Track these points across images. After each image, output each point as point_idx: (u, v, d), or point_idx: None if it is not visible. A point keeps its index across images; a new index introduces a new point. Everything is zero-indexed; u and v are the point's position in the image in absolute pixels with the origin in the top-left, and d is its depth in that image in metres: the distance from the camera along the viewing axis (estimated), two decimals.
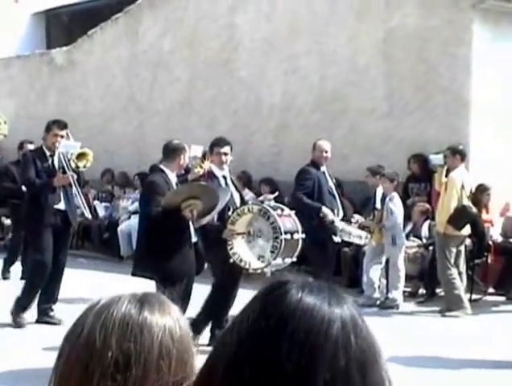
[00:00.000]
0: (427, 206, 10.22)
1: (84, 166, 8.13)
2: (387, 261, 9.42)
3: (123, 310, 1.30)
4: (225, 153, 7.23)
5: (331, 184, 8.64)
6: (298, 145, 11.97)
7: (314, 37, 12.05)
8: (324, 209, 8.26)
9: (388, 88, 11.32)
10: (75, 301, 7.72)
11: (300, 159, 11.68)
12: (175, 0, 13.96)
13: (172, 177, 6.72)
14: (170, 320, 1.32)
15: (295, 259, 7.30)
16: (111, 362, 1.25)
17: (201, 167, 8.99)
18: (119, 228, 12.75)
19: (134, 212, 13.06)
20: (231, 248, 6.94)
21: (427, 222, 10.16)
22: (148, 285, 7.44)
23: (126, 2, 15.06)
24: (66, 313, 7.55)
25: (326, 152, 8.61)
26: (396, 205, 9.31)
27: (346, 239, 8.66)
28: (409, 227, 10.14)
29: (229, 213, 7.05)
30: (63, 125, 8.01)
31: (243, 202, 7.47)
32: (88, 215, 8.89)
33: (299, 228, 7.23)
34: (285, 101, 12.50)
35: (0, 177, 10.85)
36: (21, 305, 7.84)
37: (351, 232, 8.62)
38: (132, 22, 14.68)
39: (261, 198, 7.89)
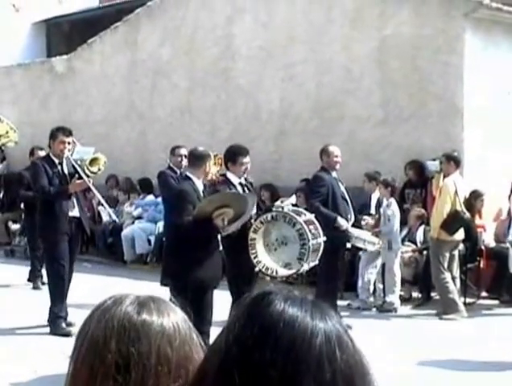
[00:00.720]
0: (423, 211, 10.37)
1: (98, 170, 8.06)
2: (383, 266, 9.57)
3: (122, 313, 1.31)
4: (248, 163, 7.21)
5: (342, 189, 8.64)
6: (297, 152, 12.16)
7: (310, 45, 12.23)
8: (339, 220, 8.20)
9: (383, 96, 11.49)
10: (81, 306, 7.81)
11: (300, 165, 11.91)
12: (173, 9, 14.15)
13: (199, 184, 6.62)
14: (169, 325, 1.31)
15: (317, 262, 7.29)
16: (112, 363, 1.26)
17: (212, 174, 9.12)
18: (123, 233, 12.90)
19: (138, 217, 13.28)
20: (255, 257, 6.90)
21: (422, 227, 10.32)
22: (153, 290, 7.60)
23: (125, 12, 15.25)
24: (72, 316, 7.75)
25: (337, 156, 8.61)
26: (393, 211, 9.45)
27: (360, 245, 8.77)
28: (404, 231, 10.29)
29: (252, 221, 6.96)
30: (68, 132, 7.98)
31: (259, 208, 7.44)
32: (115, 218, 8.75)
33: (321, 232, 7.23)
34: (283, 108, 12.67)
35: (15, 185, 10.80)
36: (54, 315, 7.77)
37: (365, 238, 8.72)
38: (131, 31, 14.86)
39: (278, 202, 7.77)
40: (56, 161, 7.89)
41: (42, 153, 10.42)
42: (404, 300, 9.73)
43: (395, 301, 9.43)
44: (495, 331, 8.35)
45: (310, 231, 7.03)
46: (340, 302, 9.71)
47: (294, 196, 8.64)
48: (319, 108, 12.19)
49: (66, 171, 7.88)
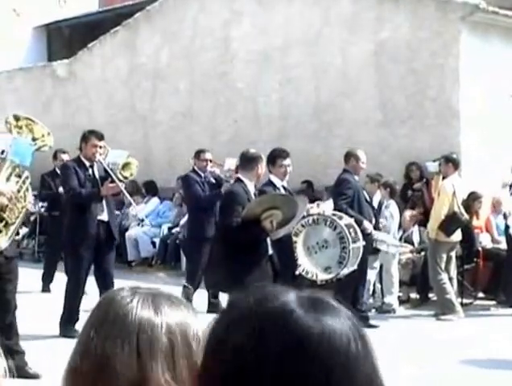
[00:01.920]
0: (415, 212, 10.47)
1: (131, 175, 7.93)
2: (381, 267, 9.66)
3: (111, 306, 1.31)
4: (289, 165, 7.06)
5: (364, 193, 8.67)
6: (297, 155, 12.19)
7: (307, 48, 12.30)
8: (365, 223, 8.19)
9: (380, 99, 11.55)
10: (88, 310, 7.77)
11: (300, 168, 11.91)
12: (172, 13, 14.23)
13: (251, 187, 6.43)
14: (157, 320, 1.30)
15: (355, 266, 7.26)
16: (96, 357, 1.27)
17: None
18: (127, 234, 12.88)
19: (143, 219, 13.33)
20: (295, 260, 6.85)
21: (416, 227, 10.40)
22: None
23: (124, 16, 15.35)
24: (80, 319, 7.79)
25: (363, 163, 8.54)
26: (391, 212, 9.52)
27: (383, 248, 8.85)
28: (401, 232, 10.37)
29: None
30: (100, 136, 7.88)
31: None
32: (149, 224, 8.60)
33: (360, 236, 7.22)
34: (282, 111, 12.74)
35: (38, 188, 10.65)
36: (67, 317, 7.69)
37: (388, 241, 8.83)
38: (130, 34, 14.95)
39: (315, 205, 7.68)
40: (87, 164, 7.80)
41: (65, 157, 10.31)
42: (402, 301, 9.80)
43: (393, 302, 9.50)
44: (492, 332, 8.38)
45: (350, 234, 6.99)
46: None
47: (331, 200, 8.60)
48: (317, 111, 12.27)
49: (97, 175, 7.79)
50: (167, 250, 12.73)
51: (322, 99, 12.22)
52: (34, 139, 6.47)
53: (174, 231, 12.73)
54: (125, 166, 7.88)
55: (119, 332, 1.28)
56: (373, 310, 9.55)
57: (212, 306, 8.69)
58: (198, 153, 9.62)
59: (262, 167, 6.54)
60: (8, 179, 6.06)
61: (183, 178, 9.56)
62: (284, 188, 7.00)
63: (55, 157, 10.79)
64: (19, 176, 6.14)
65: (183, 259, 12.69)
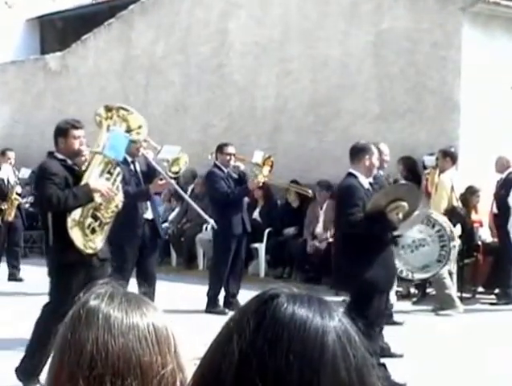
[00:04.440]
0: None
1: (179, 170, 7.58)
2: None
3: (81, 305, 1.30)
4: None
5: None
6: (292, 148, 12.08)
7: (305, 40, 12.15)
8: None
9: (379, 91, 11.41)
10: None
11: (294, 162, 11.83)
12: (167, 5, 14.06)
13: (364, 181, 6.10)
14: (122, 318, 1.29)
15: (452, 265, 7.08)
16: (80, 357, 1.26)
17: (264, 176, 8.80)
18: None
19: None
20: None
21: None
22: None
23: (118, 8, 15.18)
24: None
25: (386, 155, 8.29)
26: None
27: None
28: None
29: None
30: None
31: None
32: (213, 224, 8.01)
33: (455, 235, 7.02)
34: (278, 104, 12.59)
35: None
36: None
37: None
38: (124, 27, 14.78)
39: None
40: (129, 159, 7.29)
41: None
42: (401, 296, 9.66)
43: (392, 297, 9.34)
44: (491, 327, 8.30)
45: (449, 232, 6.81)
46: (335, 298, 9.63)
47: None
48: (314, 103, 12.11)
49: (139, 170, 7.38)
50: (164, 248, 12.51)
51: (320, 92, 12.06)
52: (129, 130, 6.14)
53: (163, 226, 12.51)
54: (174, 161, 7.53)
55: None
56: None
57: (229, 305, 8.66)
58: (220, 148, 9.04)
59: (371, 159, 6.13)
60: (100, 176, 5.78)
61: (207, 175, 9.05)
62: (371, 184, 6.64)
63: None
64: (110, 173, 5.84)
65: (173, 254, 12.55)
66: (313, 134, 12.09)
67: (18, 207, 10.89)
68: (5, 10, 17.69)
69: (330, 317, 1.09)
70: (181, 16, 13.85)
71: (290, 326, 1.07)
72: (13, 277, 11.07)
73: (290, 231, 11.56)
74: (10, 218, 10.59)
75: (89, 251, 5.73)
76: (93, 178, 5.74)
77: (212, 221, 7.99)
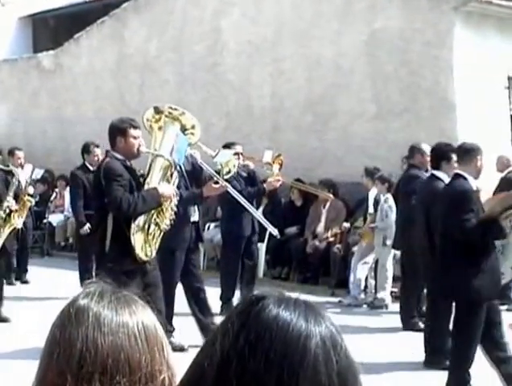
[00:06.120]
0: None
1: (228, 172, 7.29)
2: (376, 262, 9.53)
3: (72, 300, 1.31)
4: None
5: None
6: (293, 147, 12.04)
7: (299, 40, 12.14)
8: None
9: (374, 91, 11.41)
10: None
11: (295, 161, 11.79)
12: (161, 3, 14.01)
13: (473, 183, 5.75)
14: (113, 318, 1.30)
15: None
16: (68, 357, 1.27)
17: (277, 175, 8.61)
18: None
19: None
20: None
21: None
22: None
23: (112, 6, 15.11)
24: None
25: (429, 156, 8.02)
26: (390, 206, 9.38)
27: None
28: None
29: None
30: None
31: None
32: (276, 233, 7.76)
33: None
34: (275, 104, 12.57)
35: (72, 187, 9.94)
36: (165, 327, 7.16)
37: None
38: (118, 25, 14.73)
39: None
40: None
41: (98, 151, 9.51)
42: (396, 297, 9.68)
43: (386, 297, 9.39)
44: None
45: None
46: (331, 299, 9.69)
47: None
48: (311, 103, 12.11)
49: (184, 170, 6.98)
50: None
51: (315, 91, 12.06)
52: (183, 130, 5.96)
53: None
54: (226, 164, 7.32)
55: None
56: (365, 306, 9.44)
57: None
58: (227, 147, 8.67)
59: (482, 160, 5.85)
60: (161, 180, 5.65)
61: None
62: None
63: (86, 151, 9.78)
64: (170, 177, 5.71)
65: None
66: (313, 133, 12.09)
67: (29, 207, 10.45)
68: None
69: (316, 321, 1.09)
70: (175, 14, 13.81)
71: (272, 327, 1.07)
72: (20, 278, 10.91)
73: (291, 230, 11.52)
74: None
75: (145, 258, 5.59)
76: (156, 182, 5.56)
77: (275, 231, 7.76)
